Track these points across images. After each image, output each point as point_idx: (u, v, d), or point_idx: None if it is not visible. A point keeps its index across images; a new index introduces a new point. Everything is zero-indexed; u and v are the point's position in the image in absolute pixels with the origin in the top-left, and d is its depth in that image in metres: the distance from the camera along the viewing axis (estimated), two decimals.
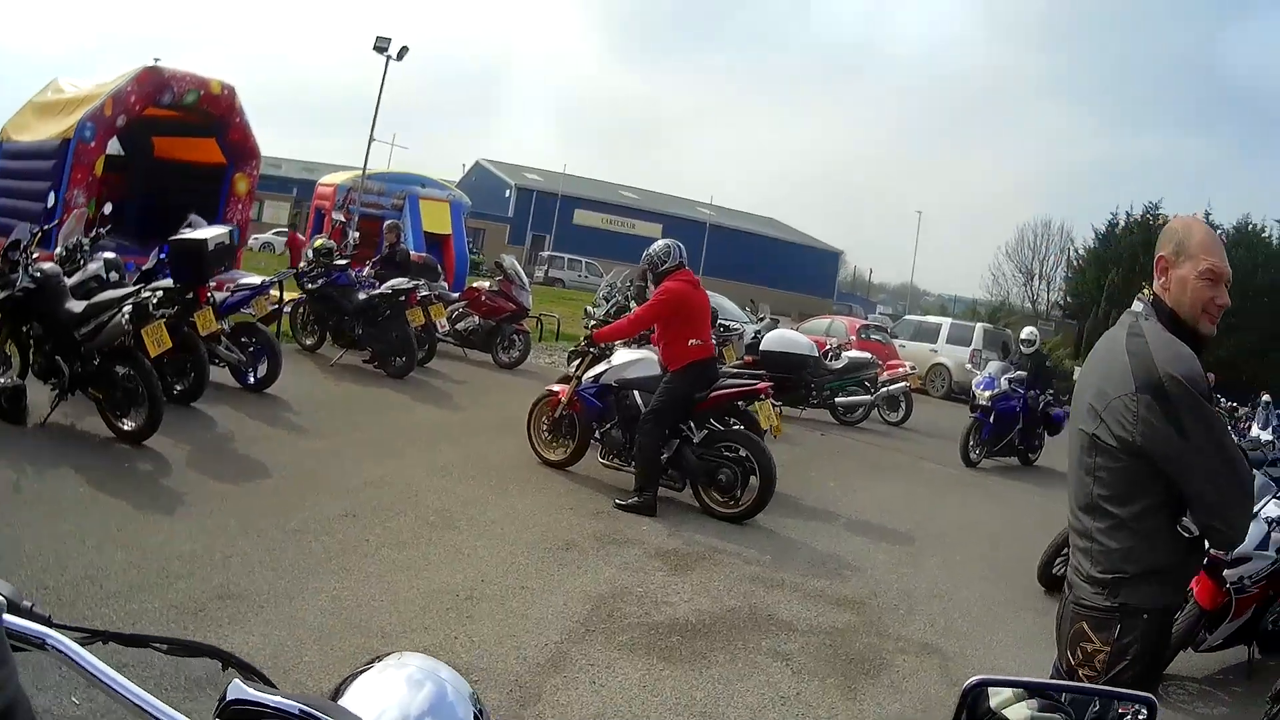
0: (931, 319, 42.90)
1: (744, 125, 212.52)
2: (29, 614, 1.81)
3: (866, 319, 43.51)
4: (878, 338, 33.82)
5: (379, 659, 1.91)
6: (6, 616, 1.68)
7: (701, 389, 11.73)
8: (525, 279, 22.92)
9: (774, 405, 12.81)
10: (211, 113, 22.81)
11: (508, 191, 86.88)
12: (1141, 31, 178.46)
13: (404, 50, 32.46)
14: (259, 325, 14.70)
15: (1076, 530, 4.11)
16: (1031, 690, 2.46)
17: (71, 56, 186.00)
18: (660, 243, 12.39)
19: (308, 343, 19.03)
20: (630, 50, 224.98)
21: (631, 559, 9.43)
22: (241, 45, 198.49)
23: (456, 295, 22.78)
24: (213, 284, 13.60)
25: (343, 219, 26.02)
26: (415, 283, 18.37)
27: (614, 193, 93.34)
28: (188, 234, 13.16)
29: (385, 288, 17.96)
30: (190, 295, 12.79)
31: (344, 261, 18.54)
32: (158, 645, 1.95)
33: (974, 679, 2.36)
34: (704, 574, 9.33)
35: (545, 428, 12.94)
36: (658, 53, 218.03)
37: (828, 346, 22.90)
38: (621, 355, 12.61)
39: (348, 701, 1.75)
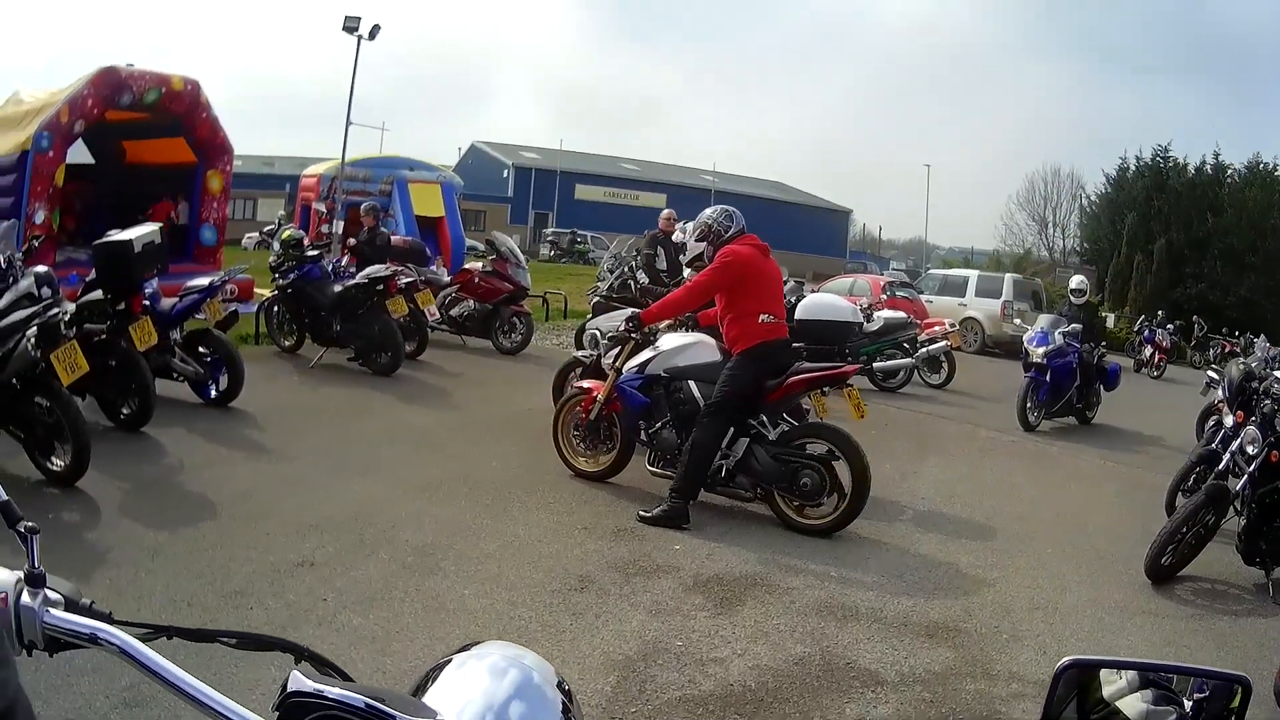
0: (957, 272, 41.44)
1: (740, 96, 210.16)
2: (88, 611, 1.89)
3: (885, 275, 42.23)
4: (905, 294, 32.21)
5: (461, 650, 1.94)
6: (61, 613, 1.84)
7: (774, 375, 9.76)
8: (521, 256, 21.12)
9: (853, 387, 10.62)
10: (176, 111, 21.25)
11: (505, 172, 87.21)
12: None
13: (376, 29, 31.21)
14: (215, 332, 12.97)
15: None
16: (1125, 668, 2.25)
17: (38, 67, 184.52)
18: (713, 209, 10.54)
19: (286, 344, 17.45)
20: (621, 27, 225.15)
21: (664, 596, 7.52)
22: (228, 45, 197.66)
23: (448, 279, 21.07)
24: (147, 289, 11.94)
25: (324, 209, 25.31)
26: (394, 269, 16.77)
27: (614, 165, 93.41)
28: (111, 236, 11.56)
29: (361, 277, 16.23)
30: (122, 306, 11.38)
31: (315, 252, 17.05)
32: (225, 640, 1.94)
33: (1066, 660, 2.15)
34: (757, 609, 7.45)
35: (578, 434, 10.90)
36: (649, 29, 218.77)
37: (859, 307, 20.86)
38: (670, 339, 10.64)
39: (431, 696, 1.78)
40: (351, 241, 18.91)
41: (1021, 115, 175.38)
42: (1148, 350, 35.82)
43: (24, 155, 19.08)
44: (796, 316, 17.28)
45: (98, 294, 11.46)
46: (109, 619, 1.84)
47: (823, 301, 19.30)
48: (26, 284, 10.66)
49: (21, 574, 1.88)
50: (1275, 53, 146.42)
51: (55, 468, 8.95)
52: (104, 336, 10.87)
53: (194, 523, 8.26)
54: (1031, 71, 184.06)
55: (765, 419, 9.85)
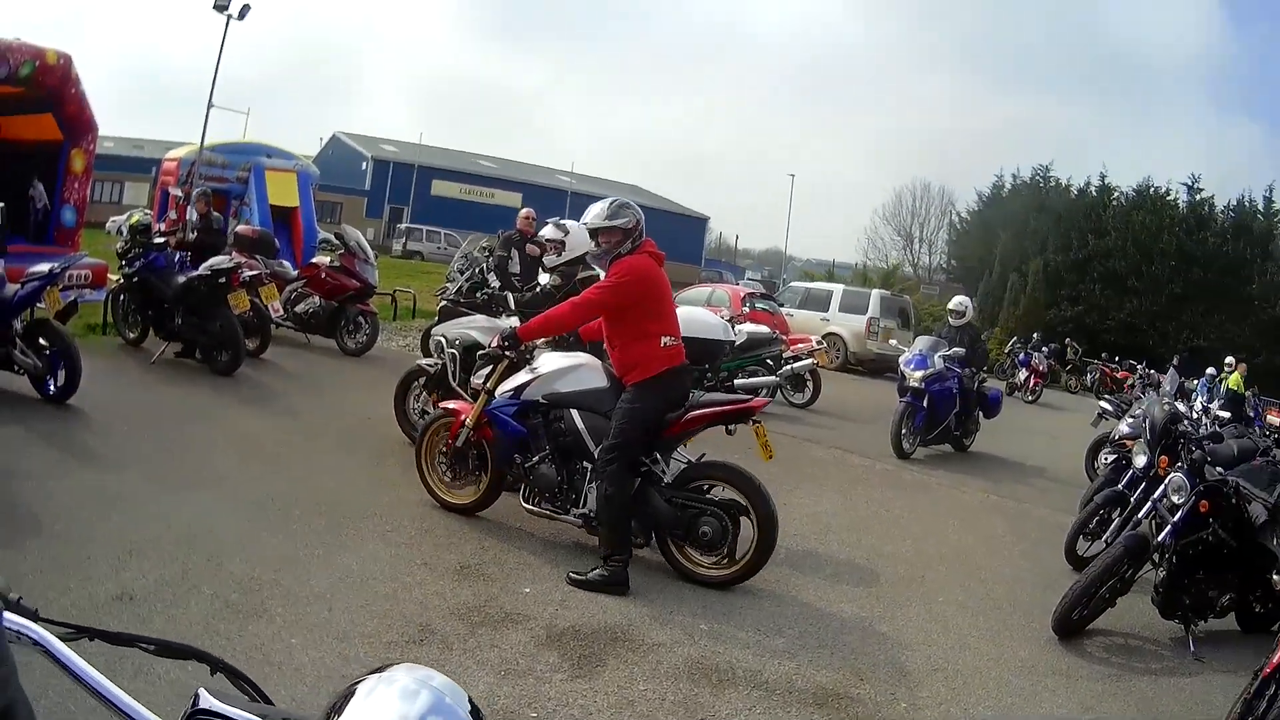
0: (821, 285, 41.29)
1: (606, 100, 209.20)
2: (16, 607, 1.92)
3: (743, 286, 41.83)
4: (765, 307, 31.35)
5: (372, 673, 1.82)
6: None
7: (675, 406, 8.72)
8: (370, 252, 20.15)
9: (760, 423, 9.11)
10: (49, 85, 20.26)
11: (364, 164, 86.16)
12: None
13: (245, 9, 31.14)
14: (53, 323, 12.09)
15: None
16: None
17: None
18: (607, 203, 9.11)
19: (130, 336, 16.50)
20: (493, 23, 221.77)
21: (514, 652, 6.65)
22: (97, 19, 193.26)
23: (295, 273, 20.16)
24: None
25: (181, 194, 24.67)
26: (238, 260, 15.93)
27: (472, 162, 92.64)
28: None
29: (204, 268, 15.28)
30: None
31: (161, 240, 16.13)
32: (144, 645, 2.01)
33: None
34: (620, 670, 6.64)
35: (445, 461, 9.81)
36: (519, 28, 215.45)
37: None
38: (551, 360, 9.41)
39: None
40: (176, 234, 17.79)
41: (891, 129, 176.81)
42: (1022, 373, 36.29)
43: None
44: None
45: None
46: (34, 616, 1.89)
47: (693, 317, 17.12)
48: None
49: None
50: (1162, 77, 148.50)
51: None
52: None
53: (19, 540, 7.42)
54: (904, 86, 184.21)
55: (659, 456, 8.80)
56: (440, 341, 11.83)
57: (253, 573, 7.32)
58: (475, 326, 11.77)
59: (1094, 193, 66.03)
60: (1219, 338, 54.53)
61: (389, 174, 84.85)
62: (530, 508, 9.22)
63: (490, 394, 9.37)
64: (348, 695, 1.77)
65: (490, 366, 9.69)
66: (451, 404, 9.98)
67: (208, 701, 1.63)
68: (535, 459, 9.14)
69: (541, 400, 9.13)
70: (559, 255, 11.69)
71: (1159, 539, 9.08)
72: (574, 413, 9.01)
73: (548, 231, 12.00)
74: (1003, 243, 63.51)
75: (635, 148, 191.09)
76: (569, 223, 11.83)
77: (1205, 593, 9.27)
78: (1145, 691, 7.93)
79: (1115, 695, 7.76)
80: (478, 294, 14.70)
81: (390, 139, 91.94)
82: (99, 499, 8.64)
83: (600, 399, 8.88)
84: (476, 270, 16.65)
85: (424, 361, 12.46)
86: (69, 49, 20.33)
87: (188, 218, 18.58)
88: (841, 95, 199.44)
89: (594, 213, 9.04)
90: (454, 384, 11.41)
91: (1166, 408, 11.07)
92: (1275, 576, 8.96)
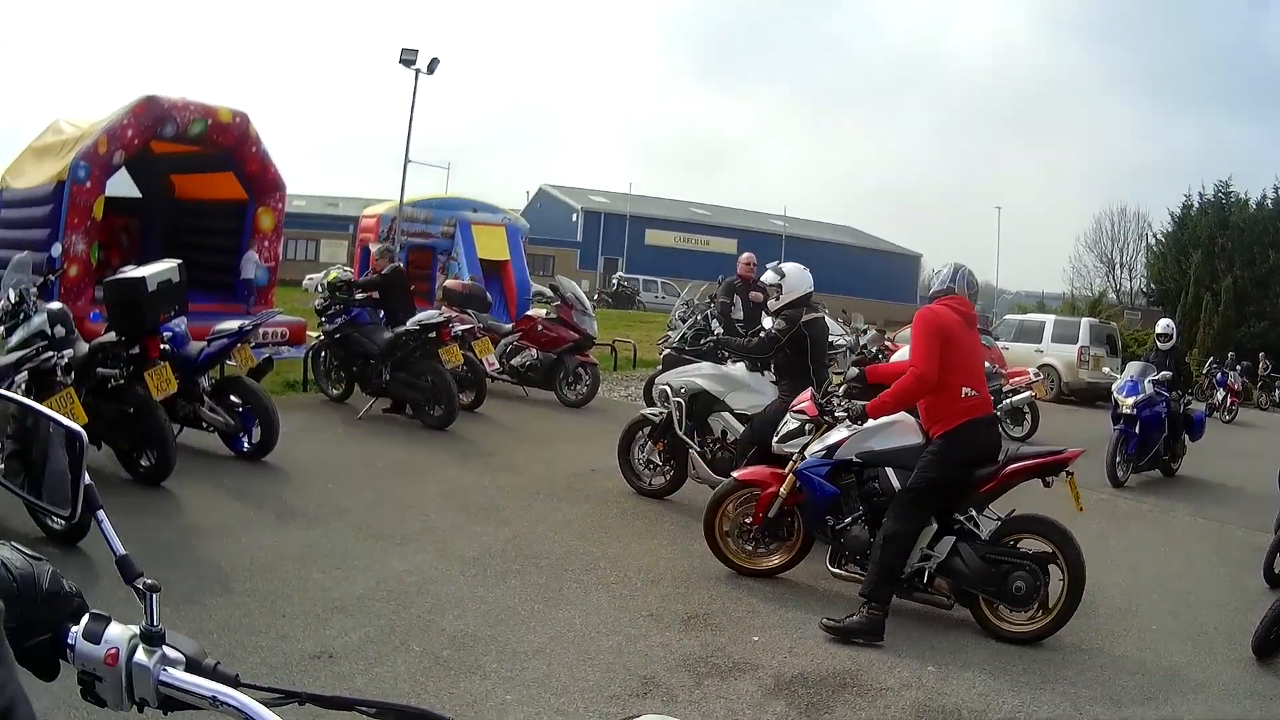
0: (1034, 316, 40.59)
1: (811, 140, 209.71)
2: (211, 672, 1.89)
3: None
4: (984, 342, 30.56)
5: None
6: (179, 673, 1.84)
7: (982, 462, 8.34)
8: (587, 303, 19.92)
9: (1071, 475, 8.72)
10: (224, 144, 20.61)
11: (574, 216, 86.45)
12: (1184, 23, 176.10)
13: (434, 62, 31.21)
14: (246, 380, 11.98)
15: None
16: None
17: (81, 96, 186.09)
18: (947, 266, 9.04)
19: (334, 392, 16.57)
20: (695, 68, 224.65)
21: (741, 703, 6.38)
22: (293, 78, 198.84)
23: (509, 327, 20.04)
24: (167, 331, 11.07)
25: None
26: (447, 314, 15.90)
27: (685, 210, 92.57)
28: (124, 273, 10.75)
29: (412, 323, 15.21)
30: (137, 350, 10.40)
31: (363, 295, 16.02)
32: (364, 709, 1.87)
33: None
34: (849, 714, 6.40)
35: (743, 533, 9.32)
36: (721, 71, 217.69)
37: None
38: (875, 424, 8.84)
39: None
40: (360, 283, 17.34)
41: (1085, 154, 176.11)
42: (1220, 393, 35.00)
43: (60, 186, 18.62)
44: None
45: (112, 336, 10.52)
46: (235, 682, 1.84)
47: None
48: (39, 321, 10.20)
49: (138, 630, 1.88)
50: None
51: (55, 525, 8.00)
52: (119, 382, 10.10)
53: (202, 598, 7.30)
54: (1094, 109, 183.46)
55: (975, 514, 8.50)
56: (665, 390, 11.69)
57: (467, 628, 7.13)
58: (701, 374, 11.64)
59: (1270, 205, 64.67)
60: None
61: (600, 225, 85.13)
62: (837, 571, 8.82)
63: (801, 456, 9.01)
64: None
65: (799, 435, 9.27)
66: (751, 471, 9.48)
67: None
68: (847, 520, 8.75)
69: (855, 459, 8.79)
70: (778, 299, 11.26)
71: None
72: (889, 471, 8.65)
73: (767, 276, 11.76)
74: (1195, 263, 62.32)
75: (845, 187, 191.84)
76: (786, 266, 11.42)
77: None
78: None
79: None
80: (701, 341, 14.38)
81: (599, 189, 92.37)
82: (298, 556, 8.57)
83: (914, 455, 8.46)
84: (700, 317, 16.52)
85: (649, 411, 12.37)
86: (252, 108, 20.97)
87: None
88: (1038, 123, 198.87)
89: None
90: (680, 432, 11.30)
91: None
92: None
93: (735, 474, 9.60)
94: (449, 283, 20.73)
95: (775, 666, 7.09)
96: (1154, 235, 76.14)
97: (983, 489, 8.38)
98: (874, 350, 17.60)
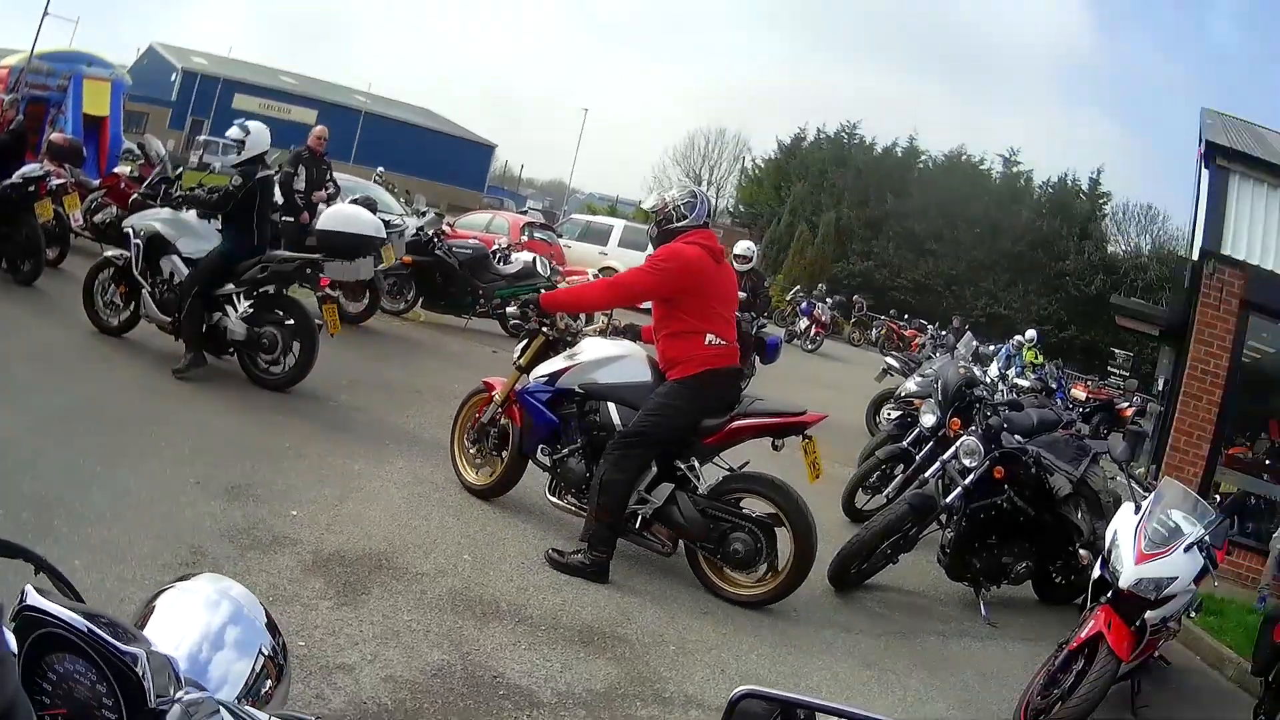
0: (602, 219, 41.60)
1: (406, 14, 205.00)
2: None
3: (525, 215, 41.30)
4: (543, 237, 31.93)
5: (178, 580, 2.06)
6: None
7: (716, 413, 8.17)
8: (170, 164, 18.81)
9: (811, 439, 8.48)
10: None
11: (174, 75, 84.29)
12: None
13: None
14: None
15: None
16: (801, 707, 2.22)
17: None
18: (680, 189, 8.91)
19: None
20: None
21: (282, 577, 6.64)
22: None
23: (97, 183, 19.47)
24: None
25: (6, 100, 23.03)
26: (48, 169, 15.44)
27: (274, 77, 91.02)
28: None
29: (16, 176, 14.67)
30: None
31: None
32: None
33: (740, 690, 2.16)
34: (385, 598, 6.69)
35: (470, 436, 9.40)
36: None
37: (495, 246, 19.94)
38: (594, 347, 8.86)
39: (151, 627, 1.86)
40: None
41: (699, 76, 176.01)
42: (804, 322, 36.37)
43: None
44: (319, 226, 16.21)
45: None
46: None
47: (342, 212, 16.80)
48: None
49: None
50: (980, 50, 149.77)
51: None
52: None
53: None
54: (728, 35, 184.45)
55: (696, 464, 8.35)
56: (129, 232, 11.91)
57: (43, 491, 7.13)
58: (158, 218, 11.89)
59: (899, 153, 67.05)
60: (1021, 309, 57.01)
61: (195, 86, 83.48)
62: (555, 500, 8.77)
63: (523, 371, 8.94)
64: (156, 598, 1.93)
65: (526, 340, 9.14)
66: (491, 379, 9.45)
67: (35, 599, 1.60)
68: (564, 451, 8.61)
69: (578, 390, 8.60)
70: (238, 154, 11.76)
71: (947, 500, 9.23)
72: (611, 406, 8.48)
73: (232, 132, 12.08)
74: (795, 192, 63.99)
75: (436, 71, 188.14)
76: (252, 124, 12.05)
77: (998, 559, 9.40)
78: (936, 650, 8.05)
79: (901, 653, 7.83)
80: (173, 196, 13.92)
81: (203, 51, 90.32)
82: None
83: (641, 394, 8.30)
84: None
85: (110, 253, 12.52)
86: None
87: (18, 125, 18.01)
88: (644, 39, 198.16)
89: (654, 195, 9.05)
90: (136, 274, 11.56)
91: (963, 371, 11.25)
92: (1080, 550, 9.25)
93: (483, 379, 9.59)
94: (54, 136, 20.27)
95: (313, 542, 7.27)
96: (753, 159, 78.04)
97: (707, 440, 8.24)
98: (430, 233, 18.07)
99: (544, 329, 8.85)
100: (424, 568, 7.32)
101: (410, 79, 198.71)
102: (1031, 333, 33.70)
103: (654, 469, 8.18)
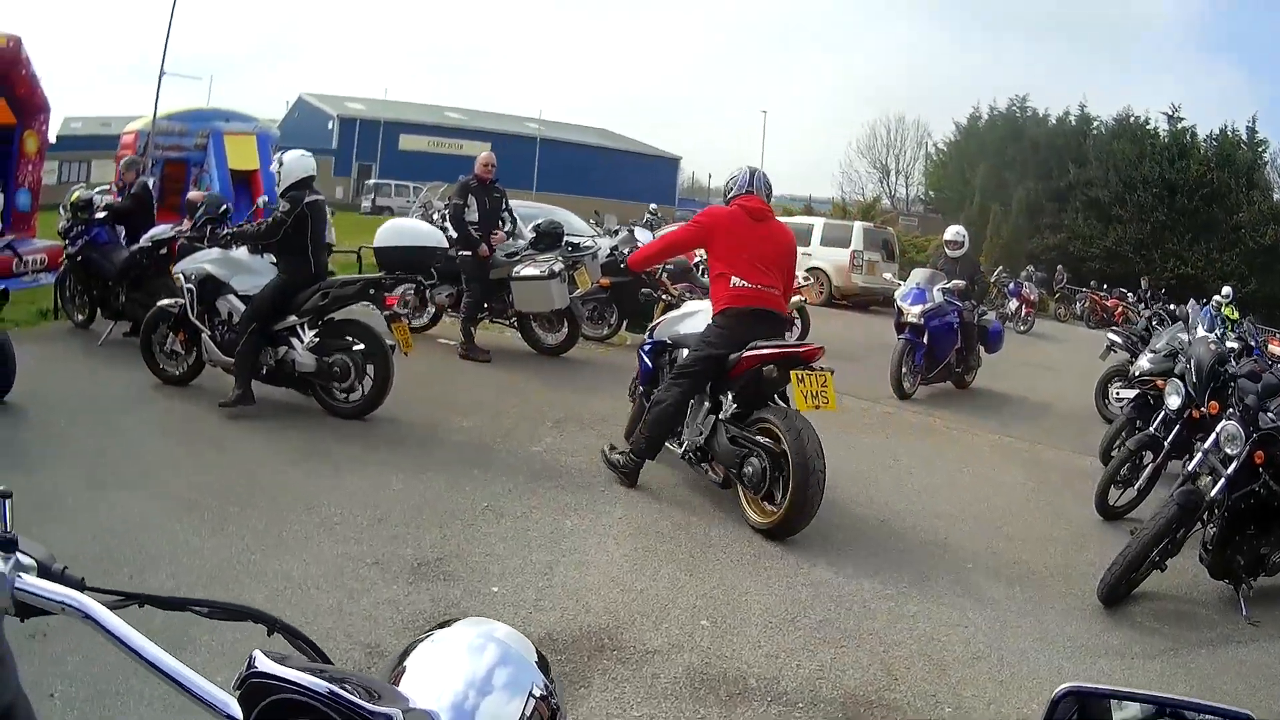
0: (802, 219, 40.09)
1: (569, 41, 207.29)
2: (59, 577, 1.87)
3: None
4: None
5: (437, 627, 1.81)
6: (32, 579, 1.79)
7: (738, 349, 8.87)
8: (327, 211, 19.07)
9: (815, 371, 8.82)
10: None
11: (330, 124, 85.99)
12: None
13: None
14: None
15: None
16: (1127, 699, 2.12)
17: None
18: (735, 169, 9.90)
19: (79, 319, 15.51)
20: None
21: None
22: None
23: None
24: None
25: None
26: (177, 229, 15.03)
27: (439, 114, 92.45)
28: None
29: (144, 240, 14.45)
30: None
31: (103, 215, 15.10)
32: (197, 609, 1.94)
33: (1063, 687, 2.01)
34: (610, 688, 5.60)
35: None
36: None
37: (697, 259, 18.52)
38: (685, 307, 10.81)
39: (407, 680, 1.65)
40: (103, 204, 16.16)
41: (867, 67, 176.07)
42: (1013, 303, 35.56)
43: None
44: (374, 245, 16.15)
45: None
46: (80, 585, 1.83)
47: (402, 227, 17.23)
48: None
49: None
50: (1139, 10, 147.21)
51: None
52: None
53: None
54: (878, 21, 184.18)
55: (731, 395, 9.05)
56: (179, 277, 11.78)
57: (178, 589, 6.07)
58: (207, 260, 11.80)
59: (1073, 122, 66.39)
60: (1205, 266, 56.24)
61: (355, 132, 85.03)
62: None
63: (651, 332, 10.62)
64: (412, 648, 1.72)
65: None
66: None
67: (264, 664, 1.39)
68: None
69: (668, 340, 10.05)
70: (278, 184, 11.63)
71: (1212, 494, 8.27)
72: (681, 352, 9.62)
73: (272, 166, 11.92)
74: (981, 173, 63.50)
75: (605, 92, 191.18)
76: (286, 154, 11.88)
77: (1257, 550, 8.48)
78: (1205, 667, 7.14)
79: (1175, 674, 6.94)
80: (220, 235, 13.16)
81: (356, 96, 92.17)
82: (21, 506, 7.52)
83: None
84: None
85: (165, 302, 11.98)
86: (20, 30, 20.12)
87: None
88: (815, 32, 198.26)
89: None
90: (192, 317, 11.46)
91: (1214, 347, 10.15)
92: None
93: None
94: (191, 194, 20.26)
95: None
96: (934, 144, 77.30)
97: (731, 374, 8.95)
98: (625, 251, 17.45)
99: (663, 298, 10.60)
100: (655, 643, 6.28)
101: (580, 101, 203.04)
102: (1227, 290, 32.32)
103: (705, 403, 9.19)
